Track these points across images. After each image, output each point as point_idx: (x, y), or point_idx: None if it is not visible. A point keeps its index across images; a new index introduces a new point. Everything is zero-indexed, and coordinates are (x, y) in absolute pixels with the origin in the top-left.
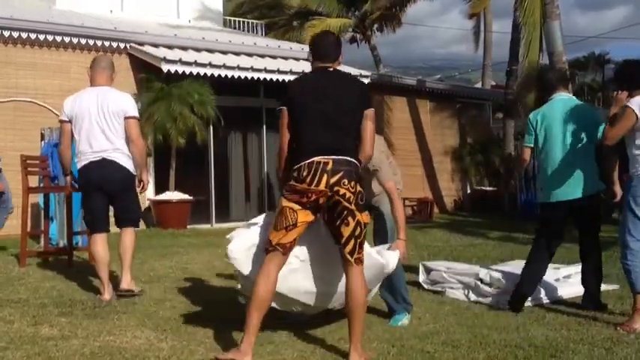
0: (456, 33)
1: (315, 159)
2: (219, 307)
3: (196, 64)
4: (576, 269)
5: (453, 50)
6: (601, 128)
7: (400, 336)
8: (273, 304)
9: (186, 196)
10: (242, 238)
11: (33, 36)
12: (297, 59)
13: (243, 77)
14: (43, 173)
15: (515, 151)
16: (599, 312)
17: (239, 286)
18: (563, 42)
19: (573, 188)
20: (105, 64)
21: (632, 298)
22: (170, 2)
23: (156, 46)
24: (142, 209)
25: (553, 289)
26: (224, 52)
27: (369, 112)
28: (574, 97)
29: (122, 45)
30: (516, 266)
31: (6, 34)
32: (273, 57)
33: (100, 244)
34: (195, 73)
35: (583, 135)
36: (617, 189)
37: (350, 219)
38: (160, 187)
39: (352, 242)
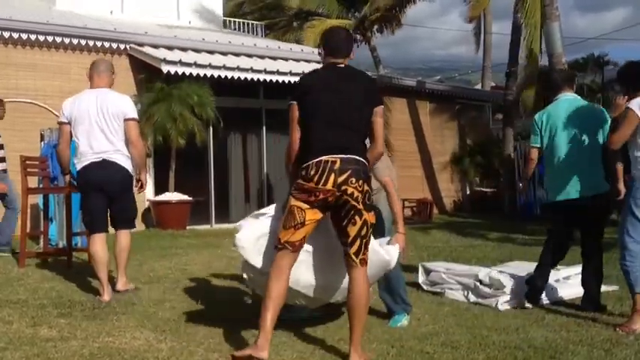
0: (455, 34)
1: (323, 158)
2: (218, 307)
3: (196, 65)
4: (576, 270)
5: (452, 52)
6: (607, 127)
7: (399, 337)
8: None
9: (185, 197)
10: (251, 227)
11: (33, 37)
12: (297, 60)
13: (242, 78)
14: (43, 174)
15: (514, 153)
16: (598, 313)
17: (244, 276)
18: (562, 43)
19: (578, 187)
20: (104, 67)
21: (632, 299)
22: (170, 3)
23: (156, 47)
24: (142, 210)
25: (553, 290)
26: (224, 53)
27: (379, 110)
28: (579, 97)
29: (122, 46)
30: (516, 267)
31: (6, 35)
32: (273, 58)
33: (99, 244)
34: (195, 74)
35: (589, 135)
36: (621, 186)
37: (357, 218)
38: (160, 188)
39: (358, 242)
